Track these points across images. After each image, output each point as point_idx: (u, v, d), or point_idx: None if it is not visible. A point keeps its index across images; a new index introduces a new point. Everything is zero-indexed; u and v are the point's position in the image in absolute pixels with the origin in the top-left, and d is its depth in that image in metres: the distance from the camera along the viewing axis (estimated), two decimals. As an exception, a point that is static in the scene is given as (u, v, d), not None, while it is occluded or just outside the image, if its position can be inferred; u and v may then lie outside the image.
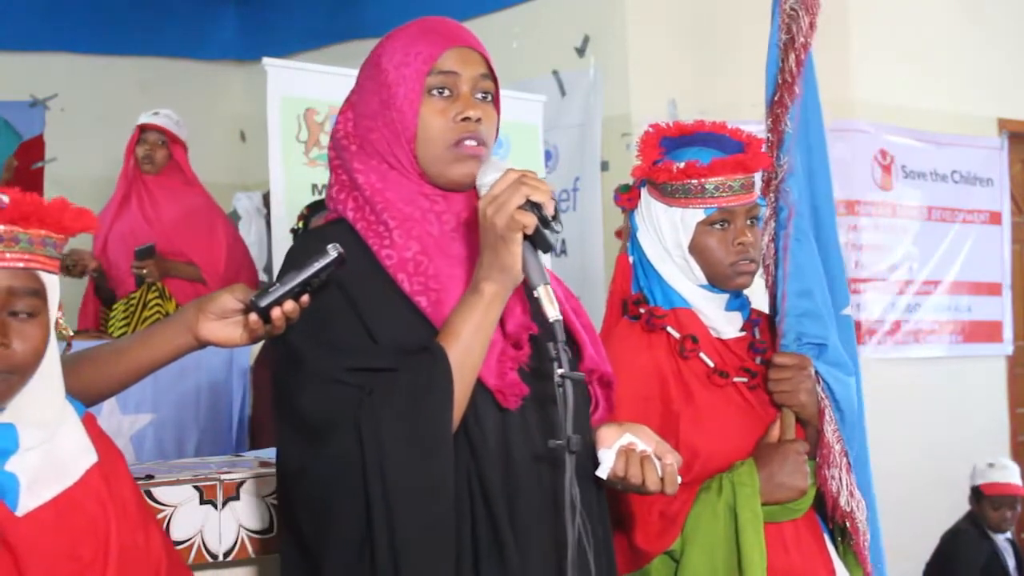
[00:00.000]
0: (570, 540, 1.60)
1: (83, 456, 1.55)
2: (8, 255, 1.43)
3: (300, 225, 3.75)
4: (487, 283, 1.64)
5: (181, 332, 1.73)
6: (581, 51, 5.25)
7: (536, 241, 1.63)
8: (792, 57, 2.34)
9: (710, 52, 5.19)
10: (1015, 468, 5.06)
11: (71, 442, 1.55)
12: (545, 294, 1.62)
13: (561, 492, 1.66)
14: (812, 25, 2.34)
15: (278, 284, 1.63)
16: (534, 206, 1.61)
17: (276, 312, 1.63)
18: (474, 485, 1.66)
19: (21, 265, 1.45)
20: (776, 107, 2.34)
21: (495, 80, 1.81)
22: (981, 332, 5.85)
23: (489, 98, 1.79)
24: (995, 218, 5.96)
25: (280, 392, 1.70)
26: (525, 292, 1.69)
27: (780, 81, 2.35)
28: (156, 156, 4.79)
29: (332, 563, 1.62)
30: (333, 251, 1.63)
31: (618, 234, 2.59)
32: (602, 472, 1.76)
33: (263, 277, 5.37)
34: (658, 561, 2.12)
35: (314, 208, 3.74)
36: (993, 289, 5.93)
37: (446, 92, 1.75)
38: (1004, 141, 5.95)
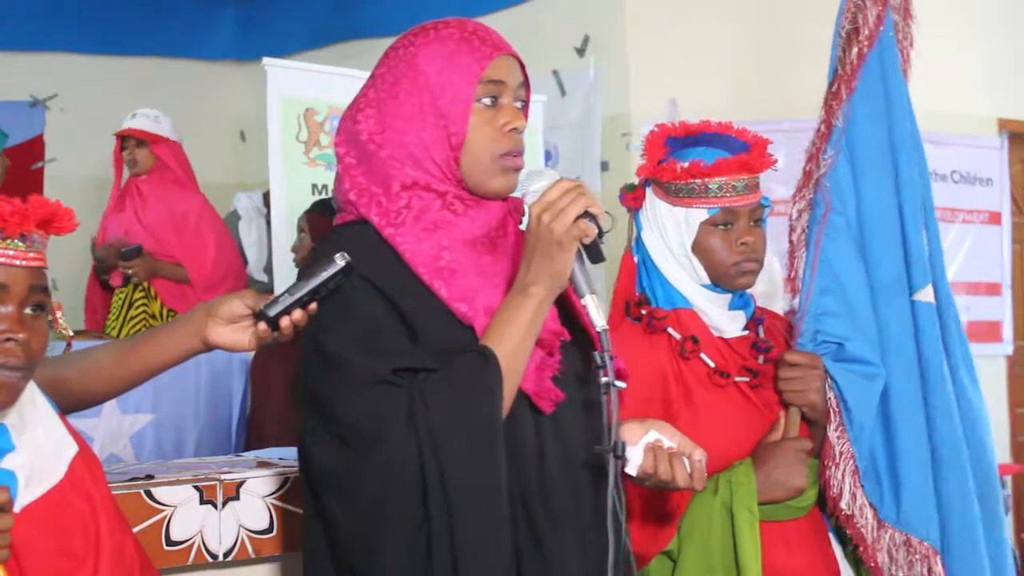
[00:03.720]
0: (612, 543, 1.64)
1: (66, 447, 1.57)
2: (31, 254, 1.48)
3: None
4: (536, 287, 1.66)
5: (190, 335, 1.74)
6: (581, 51, 5.25)
7: (591, 251, 1.67)
8: (855, 50, 2.27)
9: (710, 52, 5.19)
10: None
11: (53, 435, 1.56)
12: (592, 303, 1.67)
13: (595, 495, 1.72)
14: (880, 17, 2.28)
15: (287, 293, 1.64)
16: (590, 217, 1.64)
17: (285, 321, 1.65)
18: (512, 487, 1.66)
19: (37, 264, 1.50)
20: (832, 99, 2.28)
21: (528, 86, 1.82)
22: (981, 332, 5.85)
23: (522, 105, 1.80)
24: (995, 218, 5.96)
25: (317, 398, 1.68)
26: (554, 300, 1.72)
27: (839, 72, 2.29)
28: (138, 159, 4.85)
29: (384, 564, 1.62)
30: (341, 260, 1.64)
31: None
32: (631, 470, 1.78)
33: (263, 278, 5.38)
34: (655, 561, 2.13)
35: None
36: (993, 289, 5.93)
37: (492, 101, 1.75)
38: (1004, 141, 5.95)
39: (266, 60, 4.21)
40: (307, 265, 1.72)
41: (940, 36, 5.62)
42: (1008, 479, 5.34)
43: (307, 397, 1.70)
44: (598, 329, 1.65)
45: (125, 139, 4.88)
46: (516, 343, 1.66)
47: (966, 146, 5.81)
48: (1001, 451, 5.70)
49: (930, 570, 2.22)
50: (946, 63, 5.65)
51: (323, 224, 3.71)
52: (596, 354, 1.65)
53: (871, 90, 2.32)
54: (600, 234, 1.66)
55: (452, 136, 1.73)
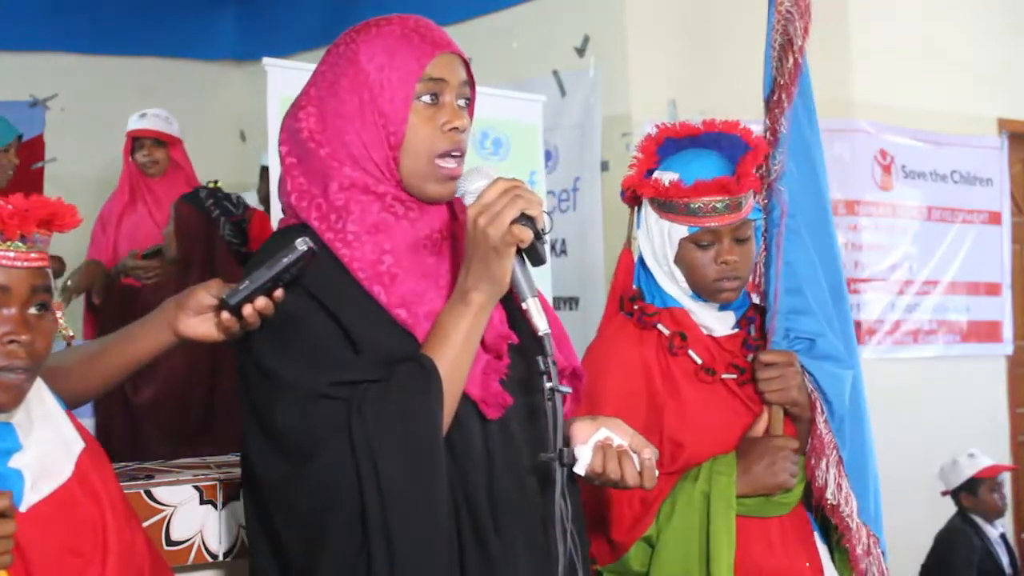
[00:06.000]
0: (560, 552, 1.62)
1: (73, 445, 1.57)
2: (32, 255, 1.49)
3: None
4: (475, 293, 1.62)
5: (162, 329, 1.75)
6: (581, 51, 5.24)
7: (530, 255, 1.63)
8: (791, 59, 2.34)
9: (710, 52, 5.19)
10: None
11: (61, 433, 1.57)
12: (534, 307, 1.63)
13: (544, 501, 1.69)
14: (806, 29, 2.35)
15: (248, 281, 1.62)
16: (527, 219, 1.60)
17: (248, 309, 1.63)
18: (458, 494, 1.64)
19: (39, 264, 1.50)
20: (775, 107, 2.35)
21: (473, 85, 1.78)
22: (981, 332, 5.85)
23: (466, 103, 1.76)
24: (995, 218, 5.96)
25: (255, 409, 1.66)
26: (502, 302, 1.69)
27: (780, 82, 2.35)
28: (158, 159, 4.85)
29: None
30: (302, 245, 1.61)
31: None
32: (579, 469, 1.74)
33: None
34: (635, 548, 2.13)
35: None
36: (993, 289, 5.93)
37: (432, 99, 1.72)
38: (1004, 141, 5.95)
39: (266, 60, 4.20)
40: (262, 258, 1.67)
41: (940, 36, 5.63)
42: (1007, 478, 5.34)
43: (247, 410, 1.68)
44: (540, 333, 1.62)
45: (139, 140, 4.87)
46: (457, 351, 1.62)
47: (966, 146, 5.80)
48: (1001, 451, 5.70)
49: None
50: (946, 63, 5.66)
51: (190, 215, 3.73)
52: (539, 359, 1.62)
53: (803, 95, 2.40)
54: (539, 236, 1.61)
55: (391, 135, 1.70)
